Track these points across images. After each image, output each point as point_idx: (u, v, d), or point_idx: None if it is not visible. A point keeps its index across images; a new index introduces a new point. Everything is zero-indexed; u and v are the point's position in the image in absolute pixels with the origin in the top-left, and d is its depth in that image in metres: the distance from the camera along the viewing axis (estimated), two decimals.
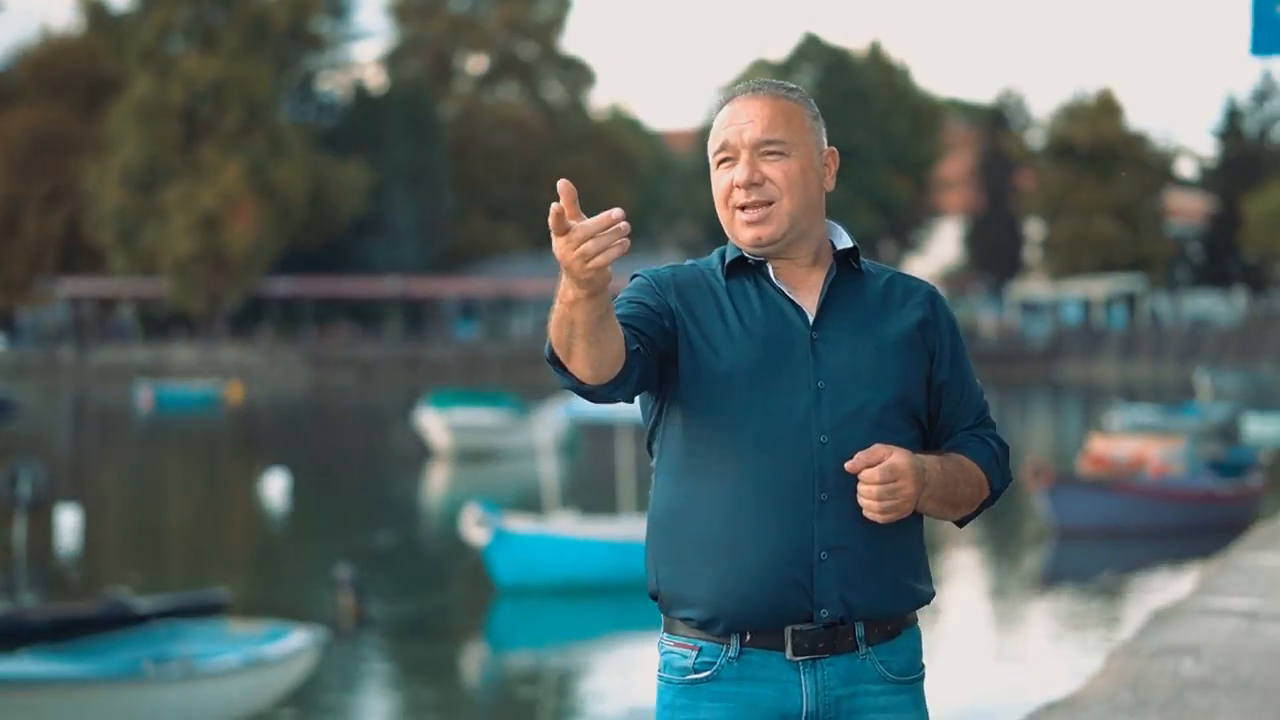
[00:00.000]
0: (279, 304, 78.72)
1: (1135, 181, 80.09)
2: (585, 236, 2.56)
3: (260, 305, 77.52)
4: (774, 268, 2.97)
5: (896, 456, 2.79)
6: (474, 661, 16.57)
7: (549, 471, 19.63)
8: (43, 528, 20.38)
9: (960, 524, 3.07)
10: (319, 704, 13.50)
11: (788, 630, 2.87)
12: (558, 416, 19.98)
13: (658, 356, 2.89)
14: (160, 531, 24.83)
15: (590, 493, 23.83)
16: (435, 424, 34.97)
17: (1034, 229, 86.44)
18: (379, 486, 30.56)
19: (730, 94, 3.00)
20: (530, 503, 22.32)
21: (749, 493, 2.87)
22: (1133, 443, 27.43)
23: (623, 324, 2.82)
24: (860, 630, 2.89)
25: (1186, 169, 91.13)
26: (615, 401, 2.92)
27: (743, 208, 2.93)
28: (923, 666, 3.00)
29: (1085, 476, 23.84)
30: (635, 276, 3.02)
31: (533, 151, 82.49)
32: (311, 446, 39.71)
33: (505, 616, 17.80)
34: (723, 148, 2.95)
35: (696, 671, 2.93)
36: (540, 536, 17.90)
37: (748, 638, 2.89)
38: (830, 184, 3.01)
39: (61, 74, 78.13)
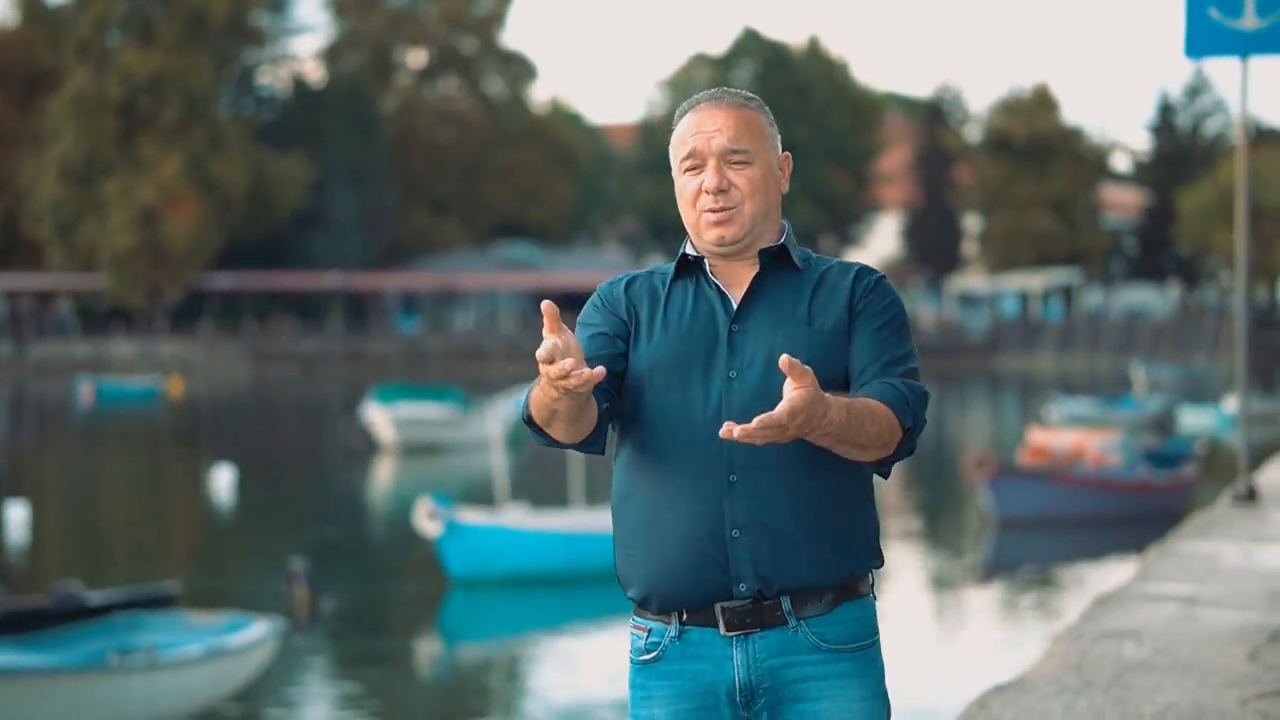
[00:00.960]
0: (219, 298, 78.39)
1: (1071, 175, 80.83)
2: (562, 371, 2.77)
3: (200, 300, 77.17)
4: (713, 266, 3.17)
5: (799, 402, 2.79)
6: (427, 652, 16.71)
7: (500, 464, 19.79)
8: None
9: (881, 471, 3.11)
10: (274, 695, 13.62)
11: (717, 607, 3.06)
12: (507, 410, 20.15)
13: (619, 387, 3.12)
14: (106, 526, 24.83)
15: (536, 486, 23.98)
16: (381, 418, 35.02)
17: (972, 223, 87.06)
18: (326, 480, 30.62)
19: (693, 103, 3.20)
20: (477, 495, 22.45)
21: (670, 478, 3.07)
22: (1070, 434, 27.85)
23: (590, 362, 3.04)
24: (787, 604, 3.05)
25: (1121, 163, 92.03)
26: (585, 453, 3.15)
27: (710, 210, 3.12)
28: (870, 636, 3.13)
29: (1025, 467, 24.19)
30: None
31: (474, 146, 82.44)
32: (256, 441, 39.66)
33: (457, 608, 17.95)
34: (690, 154, 3.15)
35: (647, 652, 3.14)
36: (492, 528, 18.08)
37: (684, 617, 3.09)
38: (785, 187, 3.22)
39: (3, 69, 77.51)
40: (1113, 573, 17.46)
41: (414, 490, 22.67)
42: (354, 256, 78.34)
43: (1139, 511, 22.93)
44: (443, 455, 33.67)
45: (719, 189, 3.12)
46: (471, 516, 18.26)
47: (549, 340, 2.81)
